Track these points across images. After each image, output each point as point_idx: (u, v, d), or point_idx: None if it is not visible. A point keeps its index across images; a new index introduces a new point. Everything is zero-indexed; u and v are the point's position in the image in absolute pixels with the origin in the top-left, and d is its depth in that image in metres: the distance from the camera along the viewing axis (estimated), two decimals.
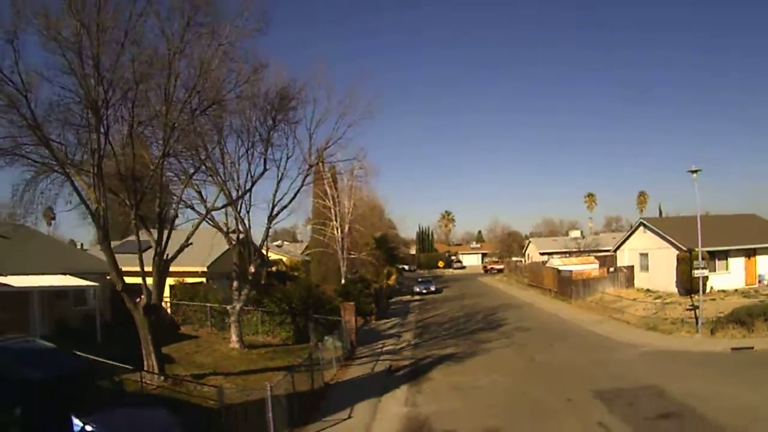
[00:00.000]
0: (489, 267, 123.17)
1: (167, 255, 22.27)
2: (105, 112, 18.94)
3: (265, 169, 28.32)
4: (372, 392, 23.25)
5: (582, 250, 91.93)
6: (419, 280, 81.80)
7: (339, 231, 53.91)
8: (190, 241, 24.12)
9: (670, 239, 52.13)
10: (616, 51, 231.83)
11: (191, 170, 25.01)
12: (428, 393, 24.03)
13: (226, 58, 22.57)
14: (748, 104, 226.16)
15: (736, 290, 49.74)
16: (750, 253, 53.06)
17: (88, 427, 12.73)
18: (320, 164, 37.13)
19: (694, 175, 37.68)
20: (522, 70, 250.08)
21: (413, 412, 21.09)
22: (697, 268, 38.13)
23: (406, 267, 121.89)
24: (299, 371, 20.79)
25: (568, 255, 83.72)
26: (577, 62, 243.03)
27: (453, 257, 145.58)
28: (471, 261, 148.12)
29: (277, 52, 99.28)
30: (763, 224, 62.64)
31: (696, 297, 38.74)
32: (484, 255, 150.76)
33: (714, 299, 44.74)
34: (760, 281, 52.28)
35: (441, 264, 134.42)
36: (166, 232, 22.46)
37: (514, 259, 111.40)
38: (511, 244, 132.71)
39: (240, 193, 27.92)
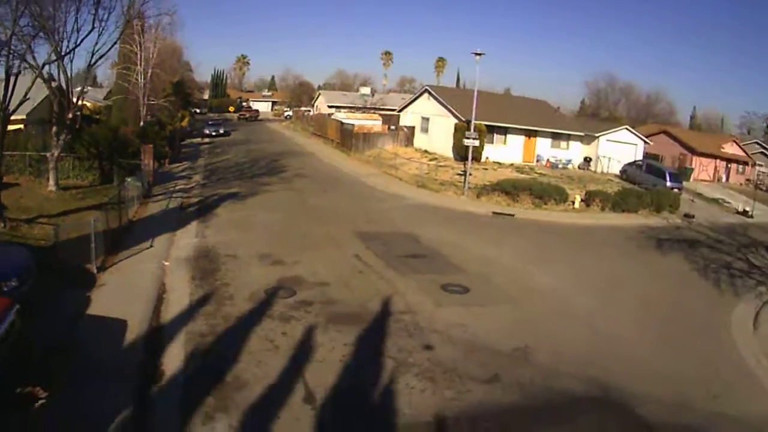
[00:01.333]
0: (243, 114, 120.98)
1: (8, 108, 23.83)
2: None
3: (93, 28, 29.44)
4: (168, 226, 26.02)
5: (369, 107, 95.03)
6: (209, 123, 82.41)
7: (142, 76, 54.41)
8: (27, 96, 25.70)
9: (451, 108, 55.40)
10: None
11: (33, 32, 26.20)
12: (214, 227, 27.15)
13: None
14: None
15: (512, 164, 53.82)
16: (531, 134, 58.06)
17: None
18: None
19: (477, 57, 41.25)
20: None
21: (202, 242, 24.28)
22: (468, 138, 41.65)
23: (198, 110, 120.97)
24: (109, 210, 23.47)
25: (354, 110, 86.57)
26: None
27: (244, 103, 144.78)
28: (262, 108, 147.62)
29: None
30: (550, 111, 68.43)
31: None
32: (274, 103, 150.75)
33: (487, 169, 49.22)
34: (538, 160, 57.77)
35: (232, 109, 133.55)
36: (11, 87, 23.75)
37: (303, 109, 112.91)
38: (302, 94, 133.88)
39: (68, 49, 28.88)
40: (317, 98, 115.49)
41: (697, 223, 41.66)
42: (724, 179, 71.41)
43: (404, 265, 22.55)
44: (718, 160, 71.54)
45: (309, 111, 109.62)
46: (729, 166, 72.92)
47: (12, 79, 24.06)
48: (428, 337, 15.99)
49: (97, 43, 30.78)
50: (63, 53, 28.72)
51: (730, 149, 74.23)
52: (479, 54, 41.06)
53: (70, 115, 30.59)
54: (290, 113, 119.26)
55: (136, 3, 34.94)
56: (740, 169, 73.98)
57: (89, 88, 34.41)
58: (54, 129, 30.89)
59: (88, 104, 60.77)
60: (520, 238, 30.43)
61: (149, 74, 55.53)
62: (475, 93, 42.39)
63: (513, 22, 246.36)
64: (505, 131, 57.02)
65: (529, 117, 59.80)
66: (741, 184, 70.30)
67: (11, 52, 24.08)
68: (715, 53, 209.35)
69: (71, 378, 12.06)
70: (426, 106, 62.63)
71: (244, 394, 12.29)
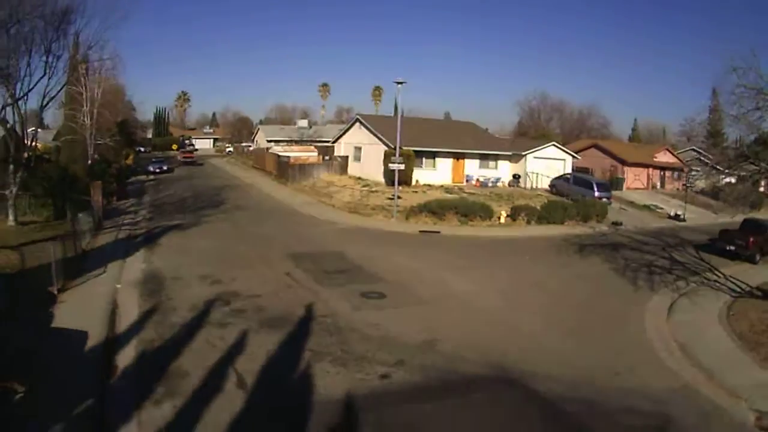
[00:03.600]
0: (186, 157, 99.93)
1: None
2: None
3: (45, 74, 31.61)
4: (118, 255, 27.82)
5: (305, 139, 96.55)
6: (153, 160, 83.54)
7: (89, 117, 55.32)
8: None
9: (380, 136, 57.14)
10: None
11: None
12: (160, 253, 29.08)
13: None
14: None
15: (442, 186, 55.92)
16: (459, 156, 60.14)
17: None
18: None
19: (399, 86, 42.76)
20: None
21: (149, 267, 26.16)
22: (394, 163, 43.48)
23: (143, 149, 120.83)
24: (66, 241, 25.12)
25: (291, 144, 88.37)
26: None
27: (186, 141, 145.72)
28: (203, 145, 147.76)
29: None
30: (478, 133, 70.40)
31: (398, 187, 44.25)
32: (216, 139, 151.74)
33: (417, 192, 51.18)
34: (468, 180, 59.68)
35: (175, 147, 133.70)
36: None
37: (243, 144, 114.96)
38: (242, 129, 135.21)
39: (22, 93, 30.93)
40: (257, 133, 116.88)
41: (625, 229, 43.97)
42: (659, 186, 74.07)
43: (329, 279, 24.85)
44: (651, 169, 74.18)
45: (249, 146, 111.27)
46: (663, 173, 75.58)
47: None
48: (345, 334, 18.27)
49: (47, 86, 32.79)
50: (17, 97, 30.57)
51: (664, 157, 76.85)
52: (401, 82, 42.89)
53: (26, 155, 32.20)
54: (231, 149, 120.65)
55: (81, 49, 36.91)
56: (675, 176, 75.79)
57: (39, 130, 35.95)
58: (11, 168, 32.23)
59: (39, 145, 61.65)
60: (442, 251, 32.72)
61: (95, 114, 56.53)
62: (399, 120, 44.34)
63: (450, 49, 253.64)
64: (433, 155, 59.48)
65: (457, 140, 62.29)
66: (677, 189, 72.07)
67: None
68: (654, 65, 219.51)
69: (42, 376, 14.04)
70: (358, 135, 64.96)
71: (187, 382, 14.41)
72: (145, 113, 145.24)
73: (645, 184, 72.81)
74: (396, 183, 44.16)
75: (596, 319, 21.68)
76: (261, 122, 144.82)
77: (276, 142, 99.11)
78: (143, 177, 73.51)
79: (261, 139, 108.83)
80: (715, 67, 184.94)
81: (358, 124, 66.33)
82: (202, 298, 21.23)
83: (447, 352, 17.22)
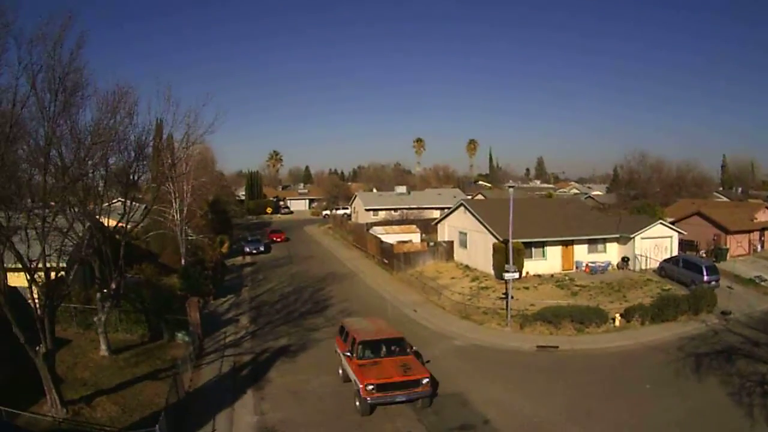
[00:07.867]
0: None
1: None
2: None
3: (125, 212, 32.98)
4: (225, 399, 27.70)
5: (404, 207, 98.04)
6: (249, 239, 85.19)
7: (179, 214, 56.16)
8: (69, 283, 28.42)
9: (487, 226, 57.21)
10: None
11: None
12: (270, 399, 28.57)
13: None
14: None
15: (552, 275, 55.63)
16: (567, 243, 59.18)
17: None
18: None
19: (511, 190, 44.00)
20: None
21: (262, 420, 25.78)
22: (508, 272, 43.11)
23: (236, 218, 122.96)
24: (165, 378, 25.11)
25: (392, 222, 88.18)
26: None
27: (281, 202, 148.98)
28: (298, 206, 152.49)
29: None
30: (583, 211, 69.18)
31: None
32: (311, 201, 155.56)
33: (528, 288, 50.67)
34: (577, 267, 58.71)
35: (269, 210, 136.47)
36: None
37: (340, 212, 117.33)
38: (338, 193, 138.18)
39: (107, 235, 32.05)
40: (354, 200, 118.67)
41: (735, 319, 42.69)
42: (759, 249, 72.04)
43: None
44: (752, 234, 72.20)
45: (347, 211, 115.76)
46: (763, 237, 73.66)
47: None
48: None
49: (128, 212, 33.89)
50: (102, 240, 31.34)
51: (763, 217, 74.77)
52: (512, 187, 43.67)
53: (114, 285, 32.41)
54: (328, 213, 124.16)
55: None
56: None
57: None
58: (98, 295, 32.65)
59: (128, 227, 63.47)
60: (563, 385, 31.20)
61: (185, 211, 57.64)
62: (510, 231, 43.73)
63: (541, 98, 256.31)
64: (542, 244, 59.06)
65: (565, 225, 61.69)
66: None
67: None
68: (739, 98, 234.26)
69: None
70: (462, 220, 65.29)
71: None
72: (236, 167, 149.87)
73: (746, 249, 70.15)
74: (508, 292, 43.76)
75: None
76: (355, 174, 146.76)
77: (374, 211, 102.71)
78: (240, 259, 75.73)
79: (359, 208, 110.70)
80: None
81: (462, 208, 66.47)
82: None
83: None
